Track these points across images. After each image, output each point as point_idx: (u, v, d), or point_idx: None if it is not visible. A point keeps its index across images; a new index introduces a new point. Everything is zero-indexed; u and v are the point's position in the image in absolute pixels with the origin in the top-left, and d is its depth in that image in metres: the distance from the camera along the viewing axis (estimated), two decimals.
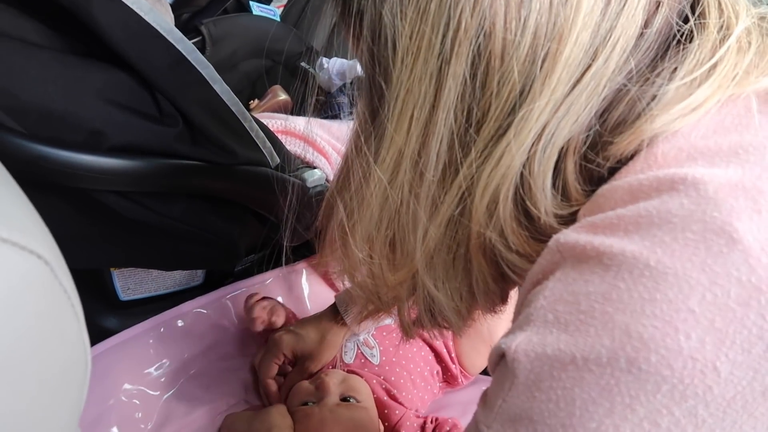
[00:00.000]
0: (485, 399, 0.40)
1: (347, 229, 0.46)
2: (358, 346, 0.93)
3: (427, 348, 0.97)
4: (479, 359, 0.99)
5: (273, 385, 0.86)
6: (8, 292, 0.27)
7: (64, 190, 0.62)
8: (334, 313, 0.85)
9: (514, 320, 0.41)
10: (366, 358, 0.91)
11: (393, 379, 0.89)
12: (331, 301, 1.04)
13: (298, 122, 0.95)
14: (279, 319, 0.89)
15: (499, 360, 0.38)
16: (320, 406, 0.78)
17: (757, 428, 0.31)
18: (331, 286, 1.09)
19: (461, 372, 0.99)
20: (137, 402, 0.81)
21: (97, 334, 0.84)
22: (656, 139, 0.38)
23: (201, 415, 0.84)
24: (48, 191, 0.63)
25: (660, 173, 0.35)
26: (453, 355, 0.99)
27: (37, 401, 0.28)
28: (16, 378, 0.27)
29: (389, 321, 0.95)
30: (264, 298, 0.91)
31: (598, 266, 0.34)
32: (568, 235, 0.37)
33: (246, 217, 0.80)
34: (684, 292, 0.31)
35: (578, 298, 0.34)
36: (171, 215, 0.70)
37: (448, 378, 0.98)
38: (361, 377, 0.86)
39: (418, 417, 0.87)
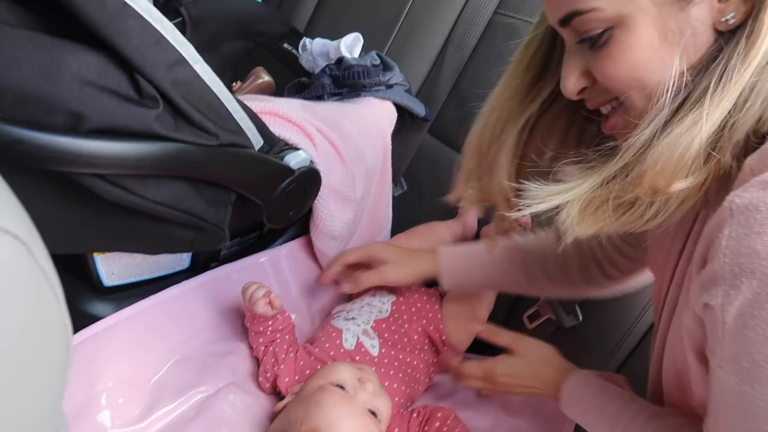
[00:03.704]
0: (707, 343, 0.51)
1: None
2: (358, 336, 0.93)
3: (424, 337, 0.97)
4: (465, 336, 1.01)
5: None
6: None
7: (42, 174, 0.61)
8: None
9: (696, 269, 0.52)
10: (365, 348, 0.91)
11: (392, 372, 0.89)
12: (315, 285, 1.05)
13: (282, 104, 0.94)
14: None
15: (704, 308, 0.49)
16: (352, 402, 0.78)
17: None
18: (317, 267, 1.08)
19: (449, 351, 1.00)
20: (124, 387, 0.81)
21: (82, 320, 0.84)
22: None
23: (189, 399, 0.84)
24: (26, 175, 0.61)
25: None
26: (444, 337, 1.00)
27: (14, 384, 0.28)
28: None
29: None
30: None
31: None
32: (742, 197, 0.45)
33: (230, 199, 0.79)
34: None
35: (757, 249, 0.42)
36: (153, 198, 0.69)
37: (438, 362, 0.99)
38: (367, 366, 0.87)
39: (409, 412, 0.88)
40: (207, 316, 0.94)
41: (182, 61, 0.66)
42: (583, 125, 0.68)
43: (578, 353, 0.95)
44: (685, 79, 0.50)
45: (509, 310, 1.15)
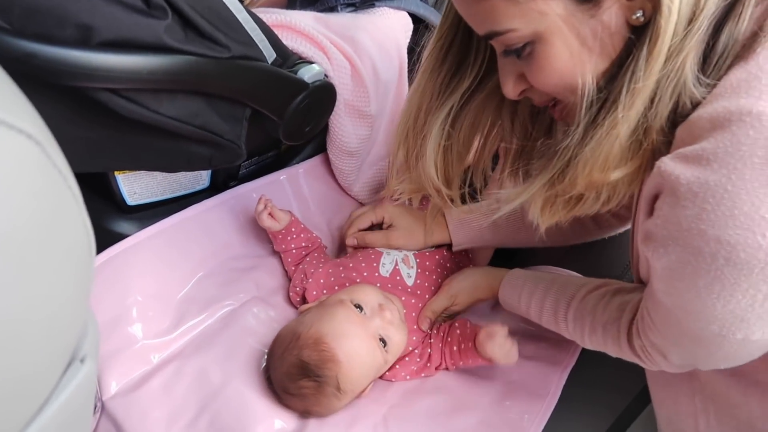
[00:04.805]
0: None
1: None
2: (397, 262, 0.93)
3: (456, 258, 0.98)
4: (488, 251, 1.02)
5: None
6: None
7: (57, 89, 0.61)
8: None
9: (637, 216, 0.59)
10: (401, 277, 0.91)
11: (421, 305, 0.90)
12: (334, 201, 1.05)
13: (294, 16, 0.92)
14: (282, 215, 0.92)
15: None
16: (364, 324, 0.79)
17: None
18: (335, 185, 1.09)
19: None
20: (153, 301, 0.84)
21: (110, 238, 0.86)
22: (732, 66, 0.50)
23: (215, 312, 0.88)
24: (41, 91, 0.61)
25: (731, 105, 0.47)
26: (471, 255, 1.01)
27: (41, 280, 0.29)
28: (18, 259, 0.28)
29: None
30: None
31: (689, 193, 0.48)
32: (667, 164, 0.50)
33: (245, 115, 0.79)
34: (755, 204, 0.45)
35: (680, 219, 0.49)
36: (167, 114, 0.69)
37: None
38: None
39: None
40: (229, 233, 0.96)
41: None
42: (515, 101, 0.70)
43: (593, 266, 0.95)
44: (602, 81, 0.54)
45: None
